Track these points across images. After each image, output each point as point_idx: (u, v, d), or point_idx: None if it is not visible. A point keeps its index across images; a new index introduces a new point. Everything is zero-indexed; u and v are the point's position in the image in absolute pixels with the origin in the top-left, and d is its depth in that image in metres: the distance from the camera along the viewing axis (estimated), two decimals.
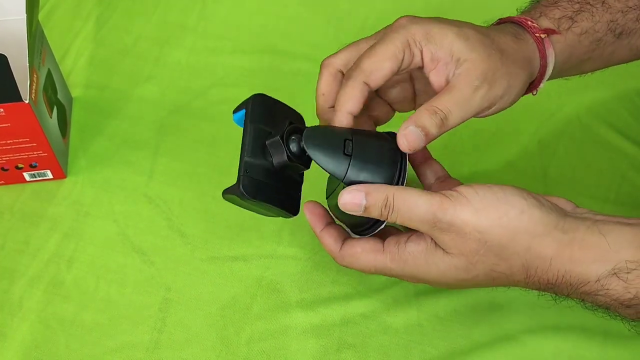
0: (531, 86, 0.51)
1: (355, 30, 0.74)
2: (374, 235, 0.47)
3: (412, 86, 0.52)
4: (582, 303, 0.44)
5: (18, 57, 0.55)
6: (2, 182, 0.63)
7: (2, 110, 0.56)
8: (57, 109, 0.63)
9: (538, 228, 0.42)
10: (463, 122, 0.46)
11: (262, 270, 0.58)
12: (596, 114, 0.68)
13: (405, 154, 0.46)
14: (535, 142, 0.67)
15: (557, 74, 0.52)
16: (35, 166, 0.62)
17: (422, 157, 0.53)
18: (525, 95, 0.68)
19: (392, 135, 0.47)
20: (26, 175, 0.63)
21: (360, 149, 0.45)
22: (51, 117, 0.61)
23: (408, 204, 0.43)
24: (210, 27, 0.76)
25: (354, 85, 0.46)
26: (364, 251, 0.47)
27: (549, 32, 0.49)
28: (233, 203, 0.49)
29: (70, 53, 0.73)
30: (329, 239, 0.48)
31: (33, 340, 0.54)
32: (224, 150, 0.66)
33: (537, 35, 0.49)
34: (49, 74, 0.62)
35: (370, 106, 0.51)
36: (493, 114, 0.48)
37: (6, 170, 0.62)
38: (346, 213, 0.45)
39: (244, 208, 0.49)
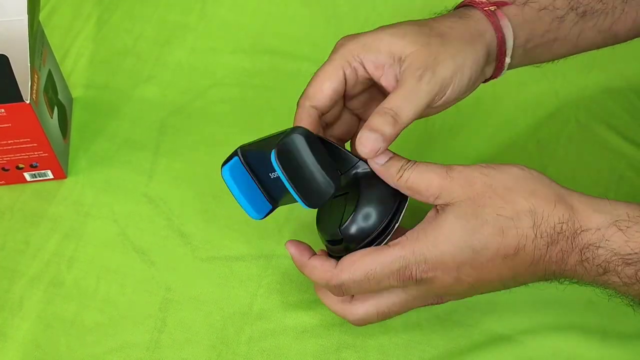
0: (497, 65, 0.51)
1: (355, 31, 0.74)
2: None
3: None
4: (582, 268, 0.43)
5: (19, 57, 0.56)
6: (2, 182, 0.63)
7: (3, 110, 0.56)
8: (58, 109, 0.64)
9: (541, 178, 0.44)
10: (419, 113, 0.46)
11: (262, 270, 0.58)
12: (595, 115, 0.69)
13: (402, 197, 0.47)
14: (534, 142, 0.67)
15: (526, 55, 0.52)
16: (36, 166, 0.62)
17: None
18: (524, 95, 0.69)
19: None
20: (27, 176, 0.63)
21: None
22: (52, 118, 0.61)
23: (422, 171, 0.45)
24: (210, 27, 0.76)
25: (302, 111, 0.48)
26: (363, 255, 0.45)
27: (498, 4, 0.50)
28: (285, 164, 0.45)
29: (71, 53, 0.73)
30: (319, 261, 0.48)
31: (33, 340, 0.54)
32: (224, 151, 0.65)
33: (486, 9, 0.49)
34: (50, 74, 0.62)
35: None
36: (459, 96, 0.49)
37: (7, 170, 0.62)
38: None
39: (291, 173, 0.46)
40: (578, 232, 0.42)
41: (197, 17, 0.77)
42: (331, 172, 0.45)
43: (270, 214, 0.51)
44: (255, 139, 0.49)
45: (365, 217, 0.46)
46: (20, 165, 0.62)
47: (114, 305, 0.56)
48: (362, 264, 0.45)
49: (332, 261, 0.47)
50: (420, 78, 0.46)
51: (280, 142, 0.44)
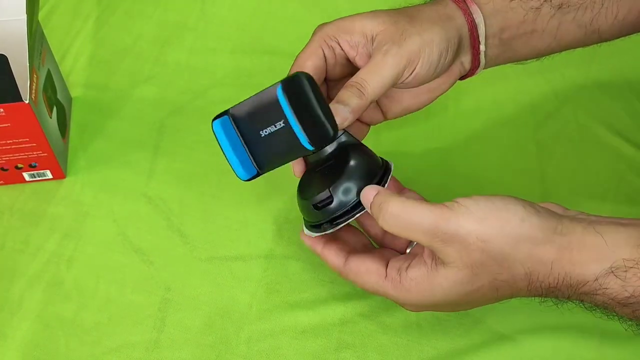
0: (473, 53, 0.52)
1: None
2: (375, 256, 0.48)
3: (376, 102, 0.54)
4: (581, 304, 0.45)
5: (18, 57, 0.55)
6: (1, 182, 0.63)
7: (2, 110, 0.56)
8: (57, 109, 0.64)
9: (538, 235, 0.42)
10: (386, 85, 0.47)
11: (261, 270, 0.58)
12: (594, 115, 0.69)
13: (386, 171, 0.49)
14: (534, 143, 0.67)
15: (504, 46, 0.53)
16: (35, 166, 0.62)
17: (395, 189, 0.53)
18: (523, 96, 0.69)
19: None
20: (26, 175, 0.63)
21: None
22: (51, 117, 0.61)
23: (407, 211, 0.44)
24: (210, 27, 0.76)
25: None
26: (367, 272, 0.48)
27: None
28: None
29: (70, 53, 0.73)
30: (331, 255, 0.50)
31: (33, 340, 0.54)
32: None
33: None
34: (49, 74, 0.62)
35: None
36: (431, 73, 0.49)
37: (6, 170, 0.62)
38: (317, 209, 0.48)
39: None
40: (575, 286, 0.43)
41: (196, 17, 0.77)
42: (332, 119, 0.46)
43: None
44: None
45: (356, 179, 0.47)
46: (19, 165, 0.62)
47: (113, 305, 0.56)
48: (367, 277, 0.48)
49: (341, 256, 0.50)
50: (386, 52, 0.48)
51: (286, 78, 0.46)
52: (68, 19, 0.76)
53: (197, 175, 0.64)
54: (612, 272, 0.42)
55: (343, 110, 0.47)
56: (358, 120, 0.53)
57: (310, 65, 0.50)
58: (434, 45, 0.48)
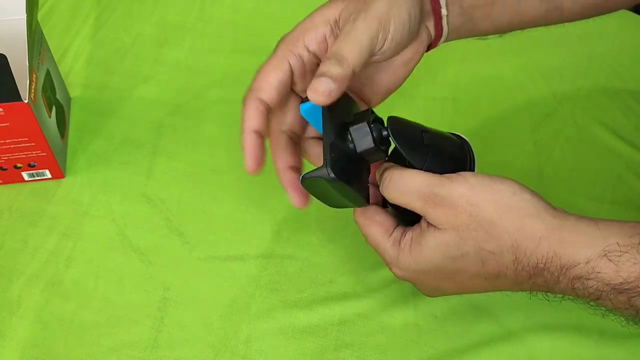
0: (436, 19, 0.51)
1: None
2: (391, 215, 0.48)
3: (355, 93, 0.53)
4: (573, 293, 0.43)
5: (17, 57, 0.56)
6: (0, 181, 0.63)
7: (1, 109, 0.56)
8: (56, 108, 0.64)
9: (529, 209, 0.43)
10: (364, 52, 0.46)
11: (260, 270, 0.58)
12: (592, 116, 0.69)
13: (470, 150, 0.48)
14: (532, 143, 0.67)
15: (466, 16, 0.52)
16: (34, 166, 0.62)
17: None
18: (521, 96, 0.69)
19: (457, 136, 0.50)
20: (25, 175, 0.63)
21: (435, 142, 0.47)
22: (50, 117, 0.61)
23: (405, 176, 0.45)
24: (209, 27, 0.77)
25: (249, 104, 0.48)
26: (378, 223, 0.47)
27: None
28: (310, 190, 0.47)
29: (69, 53, 0.73)
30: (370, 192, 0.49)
31: (32, 339, 0.54)
32: (223, 150, 0.66)
33: None
34: (48, 73, 0.62)
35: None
36: (405, 37, 0.48)
37: (5, 169, 0.62)
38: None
39: (319, 197, 0.47)
40: (566, 267, 0.42)
41: (195, 17, 0.77)
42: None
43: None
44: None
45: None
46: (18, 165, 0.62)
47: (112, 305, 0.56)
48: (374, 228, 0.47)
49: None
50: (355, 20, 0.46)
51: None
52: (67, 18, 0.76)
53: (196, 175, 0.64)
54: (606, 255, 0.41)
55: (327, 82, 0.44)
56: None
57: (274, 79, 0.48)
58: (400, 5, 0.47)
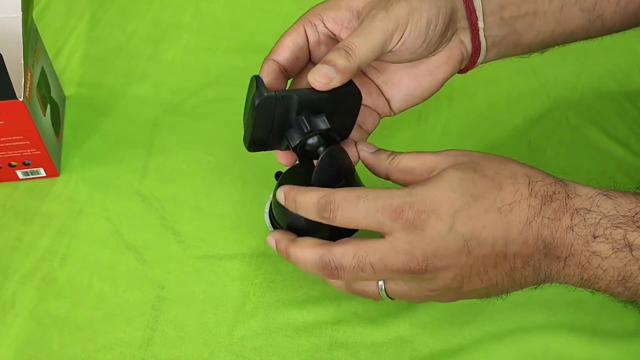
0: (472, 31, 0.51)
1: None
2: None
3: (377, 87, 0.54)
4: (572, 235, 0.43)
5: (12, 54, 0.55)
6: None
7: None
8: (51, 107, 0.64)
9: (536, 171, 0.45)
10: (375, 50, 0.47)
11: (255, 269, 0.58)
12: (585, 116, 0.69)
13: None
14: (526, 143, 0.67)
15: (506, 27, 0.52)
16: (29, 164, 0.62)
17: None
18: (515, 96, 0.69)
19: None
20: (19, 173, 0.63)
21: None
22: (45, 115, 0.61)
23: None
24: (204, 26, 0.77)
25: (264, 65, 0.51)
26: (378, 194, 0.44)
27: None
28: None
29: (64, 51, 0.73)
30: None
31: (26, 337, 0.54)
32: (218, 149, 0.66)
33: None
34: (43, 72, 0.62)
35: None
36: (420, 42, 0.48)
37: None
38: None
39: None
40: (571, 196, 0.44)
41: (191, 15, 0.77)
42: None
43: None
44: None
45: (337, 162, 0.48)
46: (13, 163, 0.61)
47: (106, 303, 0.56)
48: (356, 190, 0.44)
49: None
50: (374, 17, 0.47)
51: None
52: (62, 16, 0.76)
53: (191, 173, 0.64)
54: (604, 193, 0.43)
55: (329, 70, 0.46)
56: (367, 107, 0.53)
57: (289, 41, 0.51)
58: (422, 11, 0.48)
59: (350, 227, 0.45)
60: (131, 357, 0.53)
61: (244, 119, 0.50)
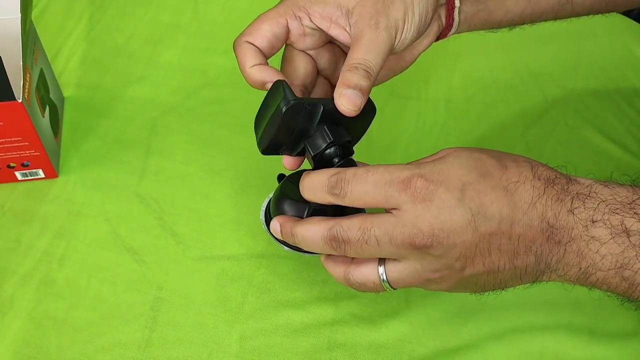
0: (448, 6, 0.52)
1: None
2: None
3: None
4: (572, 220, 0.43)
5: (11, 56, 0.56)
6: None
7: None
8: (49, 108, 0.64)
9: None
10: (385, 61, 0.47)
11: (253, 270, 0.58)
12: (582, 117, 0.70)
13: None
14: (523, 144, 0.68)
15: (480, 5, 0.53)
16: (27, 165, 0.62)
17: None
18: (513, 98, 0.69)
19: None
20: (18, 175, 0.63)
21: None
22: (43, 117, 0.61)
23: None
24: (202, 28, 0.77)
25: (239, 47, 0.49)
26: (387, 170, 0.44)
27: None
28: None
29: (62, 53, 0.73)
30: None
31: (24, 339, 0.54)
32: (216, 150, 0.66)
33: None
34: (42, 73, 0.62)
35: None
36: (413, 35, 0.49)
37: None
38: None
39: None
40: (571, 182, 0.44)
41: (189, 17, 0.78)
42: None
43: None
44: (250, 137, 0.49)
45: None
46: (12, 164, 0.62)
47: (105, 304, 0.56)
48: (366, 165, 0.46)
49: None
50: (377, 26, 0.47)
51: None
52: (60, 18, 0.76)
53: (190, 174, 0.64)
54: (601, 183, 0.44)
55: (357, 96, 0.45)
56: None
57: (267, 30, 0.49)
58: (414, 6, 0.48)
59: (359, 205, 0.45)
60: (129, 358, 0.53)
61: (256, 122, 0.49)
